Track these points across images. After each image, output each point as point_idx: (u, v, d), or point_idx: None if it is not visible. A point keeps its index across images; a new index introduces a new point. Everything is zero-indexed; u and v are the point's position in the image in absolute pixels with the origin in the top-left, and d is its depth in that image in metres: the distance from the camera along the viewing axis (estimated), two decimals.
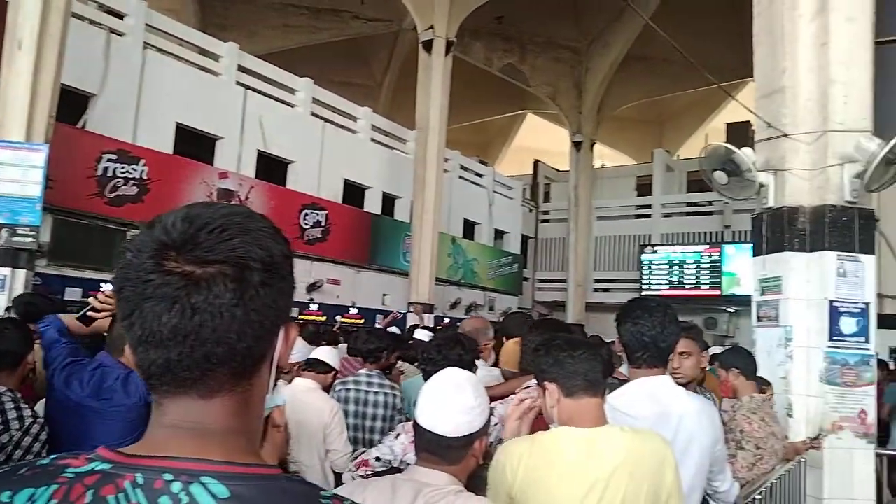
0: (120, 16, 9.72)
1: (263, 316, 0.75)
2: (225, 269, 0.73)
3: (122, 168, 9.14)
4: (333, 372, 4.00)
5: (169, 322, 0.71)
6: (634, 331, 2.24)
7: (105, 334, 2.80)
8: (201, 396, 0.75)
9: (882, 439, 6.05)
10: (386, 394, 4.16)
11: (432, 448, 1.68)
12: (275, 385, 0.83)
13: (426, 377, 2.48)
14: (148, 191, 9.42)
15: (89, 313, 2.62)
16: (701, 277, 17.37)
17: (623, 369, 2.41)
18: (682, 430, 2.16)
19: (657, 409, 2.17)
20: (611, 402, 2.19)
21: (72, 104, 8.81)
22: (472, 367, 2.68)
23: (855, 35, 4.50)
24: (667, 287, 17.70)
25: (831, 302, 4.36)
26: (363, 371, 4.23)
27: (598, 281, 19.89)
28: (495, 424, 2.45)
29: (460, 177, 16.93)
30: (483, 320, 3.71)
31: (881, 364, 7.91)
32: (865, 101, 4.50)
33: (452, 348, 2.79)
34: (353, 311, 12.92)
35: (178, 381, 0.74)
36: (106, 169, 8.97)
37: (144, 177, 9.40)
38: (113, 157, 9.04)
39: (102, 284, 7.37)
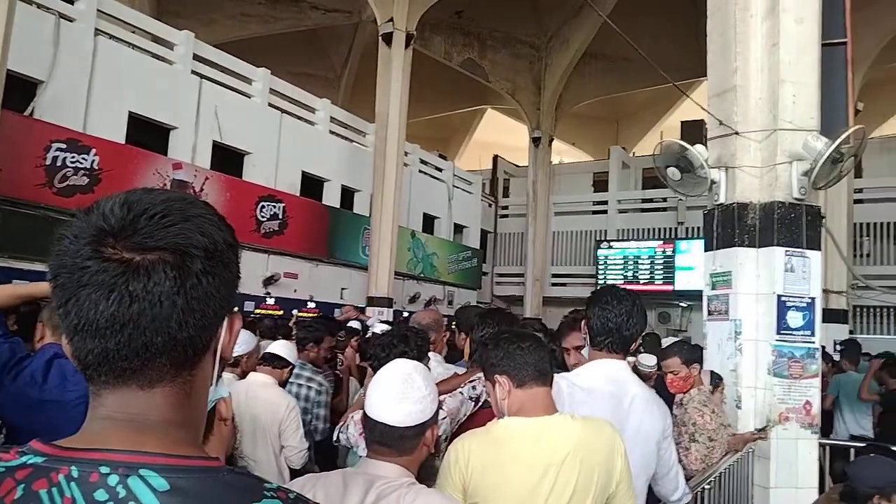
0: (70, 1, 9.43)
1: (205, 305, 0.74)
2: (165, 255, 0.71)
3: (73, 157, 8.88)
4: (290, 367, 3.97)
5: (106, 310, 0.69)
6: (601, 315, 2.30)
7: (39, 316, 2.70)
8: (140, 387, 0.73)
9: (825, 430, 6.26)
10: (300, 385, 4.11)
11: (384, 440, 1.68)
12: (219, 377, 0.82)
13: None
14: (99, 181, 9.17)
15: None
16: (655, 272, 17.69)
17: (585, 353, 2.47)
18: (634, 413, 2.22)
19: (613, 388, 2.24)
20: (569, 378, 2.24)
21: (19, 91, 8.51)
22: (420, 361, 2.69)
23: (803, 36, 4.62)
24: (622, 282, 17.95)
25: (779, 296, 4.48)
26: None
27: (555, 276, 20.10)
28: (443, 419, 2.46)
29: (420, 171, 16.90)
30: (436, 313, 3.72)
31: (826, 357, 8.19)
32: (813, 100, 4.63)
33: (396, 346, 2.78)
34: (311, 305, 12.82)
35: (116, 372, 0.72)
36: (55, 158, 8.70)
37: (95, 167, 9.14)
38: (62, 146, 8.77)
39: None
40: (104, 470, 0.67)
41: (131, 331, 0.70)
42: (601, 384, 2.23)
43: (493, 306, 18.26)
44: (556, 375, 2.32)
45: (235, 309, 0.81)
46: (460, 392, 2.63)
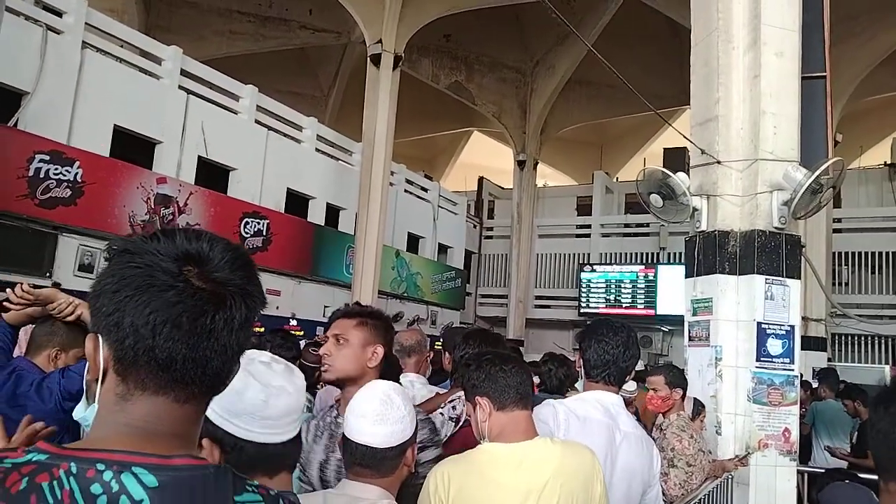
0: (58, 13, 9.40)
1: (247, 340, 0.86)
2: (240, 292, 0.84)
3: (56, 169, 8.81)
4: None
5: (191, 328, 0.79)
6: (598, 348, 2.31)
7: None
8: (176, 400, 0.82)
9: (803, 457, 6.29)
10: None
11: (366, 462, 1.68)
12: None
13: None
14: (82, 194, 9.11)
15: (5, 303, 2.40)
16: (637, 297, 17.78)
17: (579, 385, 2.46)
18: (623, 450, 2.21)
19: (608, 420, 2.23)
20: (567, 405, 2.24)
21: (3, 102, 8.47)
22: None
23: (784, 69, 4.72)
24: (604, 305, 18.04)
25: (759, 324, 4.52)
26: None
27: (538, 298, 20.14)
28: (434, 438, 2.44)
29: (406, 190, 16.92)
30: (419, 333, 3.69)
31: (805, 384, 8.25)
32: (793, 132, 4.72)
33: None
34: (293, 322, 12.74)
35: (167, 380, 0.80)
36: (38, 170, 8.62)
37: (79, 179, 9.07)
38: (46, 157, 8.70)
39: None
40: (100, 467, 0.75)
41: (203, 350, 0.80)
42: (597, 415, 2.23)
43: (475, 326, 18.26)
44: (552, 401, 2.31)
45: None
46: (440, 413, 2.61)
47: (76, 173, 9.05)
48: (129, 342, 0.79)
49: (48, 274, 8.77)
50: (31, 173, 8.55)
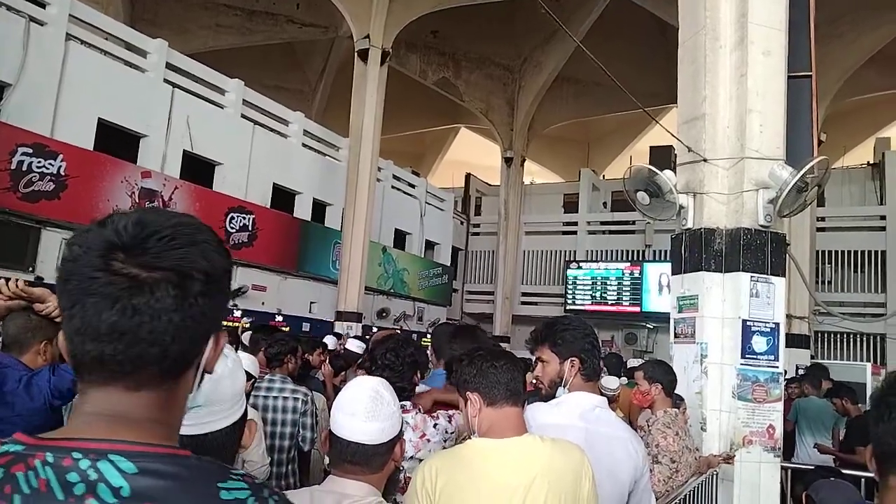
0: (42, 4, 9.29)
1: (198, 323, 0.81)
2: (169, 276, 0.78)
3: (39, 162, 8.71)
4: (251, 380, 3.94)
5: (108, 319, 0.76)
6: (595, 345, 2.29)
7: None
8: (127, 389, 0.80)
9: (786, 453, 6.35)
10: (286, 398, 4.19)
11: (357, 459, 1.67)
12: (198, 386, 0.89)
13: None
14: (66, 187, 9.01)
15: None
16: (622, 294, 17.87)
17: (561, 392, 2.36)
18: (607, 453, 2.14)
19: (587, 425, 2.17)
20: (539, 417, 2.17)
21: None
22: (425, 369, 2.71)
23: (770, 68, 4.74)
24: (590, 302, 18.12)
25: (744, 321, 4.55)
26: (266, 377, 4.24)
27: (524, 294, 20.21)
28: (451, 433, 2.44)
29: (393, 186, 16.90)
30: (394, 333, 3.75)
31: (795, 381, 8.32)
32: (779, 130, 4.74)
33: (405, 348, 2.76)
34: (279, 318, 12.69)
35: (107, 373, 0.79)
36: (21, 163, 8.52)
37: (62, 173, 8.98)
38: (29, 150, 8.60)
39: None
40: (76, 455, 0.74)
41: (129, 340, 0.77)
42: (575, 422, 2.17)
43: (462, 322, 18.26)
44: (528, 415, 2.18)
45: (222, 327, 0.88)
46: (446, 430, 2.59)
47: (59, 167, 8.95)
48: (68, 338, 0.79)
49: (31, 269, 8.68)
50: (13, 166, 8.45)
